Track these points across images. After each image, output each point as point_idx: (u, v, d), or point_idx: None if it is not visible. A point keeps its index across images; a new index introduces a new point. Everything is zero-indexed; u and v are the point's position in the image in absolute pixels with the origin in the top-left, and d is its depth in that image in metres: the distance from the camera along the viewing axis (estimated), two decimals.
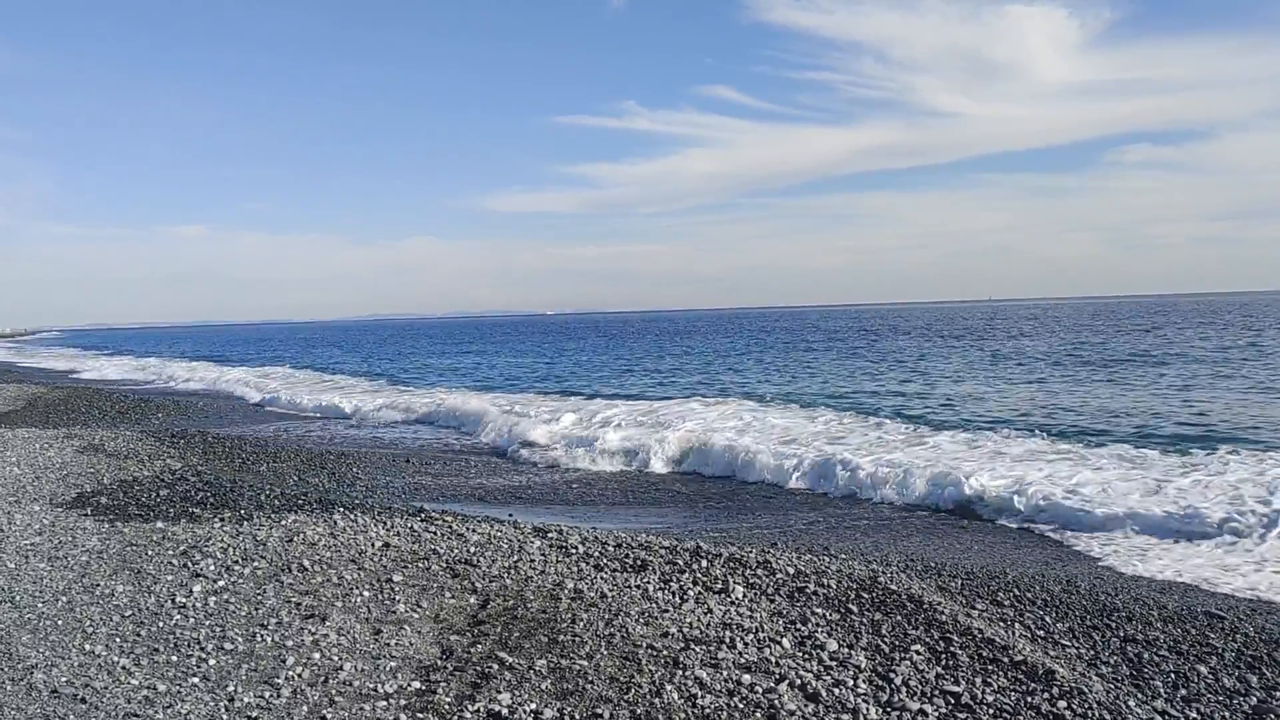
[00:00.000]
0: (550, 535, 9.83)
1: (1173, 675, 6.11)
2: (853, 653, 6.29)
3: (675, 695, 5.54)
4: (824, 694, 5.57)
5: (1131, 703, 5.56)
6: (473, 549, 9.10)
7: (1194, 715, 5.51)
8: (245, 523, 10.39)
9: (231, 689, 5.64)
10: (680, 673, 5.87)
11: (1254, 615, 7.38)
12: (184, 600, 7.41)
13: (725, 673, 5.89)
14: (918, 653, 6.29)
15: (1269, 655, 6.45)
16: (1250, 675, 6.10)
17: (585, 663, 6.07)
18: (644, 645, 6.40)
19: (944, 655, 6.25)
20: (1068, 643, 6.72)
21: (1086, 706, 5.40)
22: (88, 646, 6.39)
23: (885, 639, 6.59)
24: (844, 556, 9.27)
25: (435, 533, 9.84)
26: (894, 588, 7.79)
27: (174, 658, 6.18)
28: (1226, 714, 5.54)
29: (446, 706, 5.42)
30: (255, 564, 8.53)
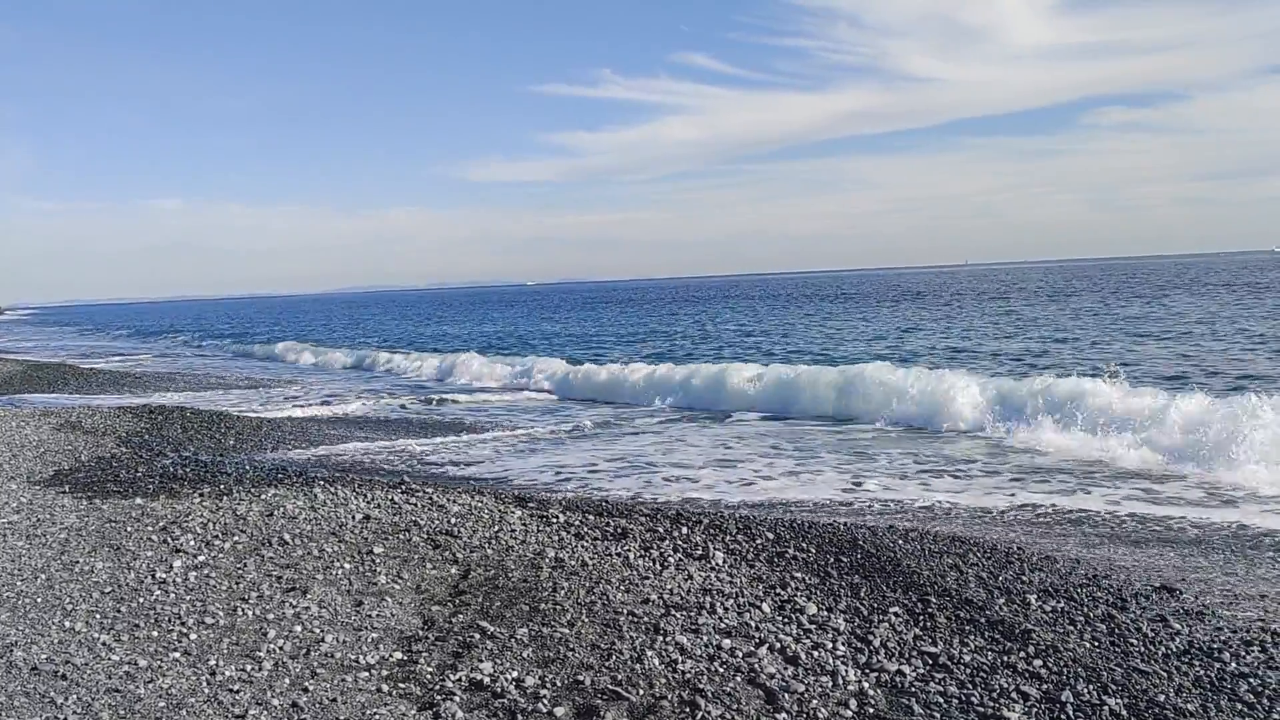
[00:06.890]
0: (531, 505, 9.85)
1: None
2: (832, 616, 6.35)
3: (656, 661, 5.58)
4: (803, 656, 5.62)
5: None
6: (453, 520, 9.11)
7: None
8: (225, 497, 10.35)
9: (213, 662, 5.64)
10: (661, 639, 5.91)
11: None
12: (164, 576, 7.39)
13: (705, 638, 5.94)
14: (896, 615, 6.35)
15: None
16: None
17: (567, 630, 6.10)
18: (625, 612, 6.43)
19: (922, 616, 6.32)
20: None
21: (1062, 664, 5.48)
22: (67, 623, 6.36)
23: (864, 602, 6.65)
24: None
25: (416, 504, 9.84)
26: (873, 551, 7.86)
27: (155, 633, 6.16)
28: None
29: (428, 676, 5.44)
30: (235, 538, 8.51)
